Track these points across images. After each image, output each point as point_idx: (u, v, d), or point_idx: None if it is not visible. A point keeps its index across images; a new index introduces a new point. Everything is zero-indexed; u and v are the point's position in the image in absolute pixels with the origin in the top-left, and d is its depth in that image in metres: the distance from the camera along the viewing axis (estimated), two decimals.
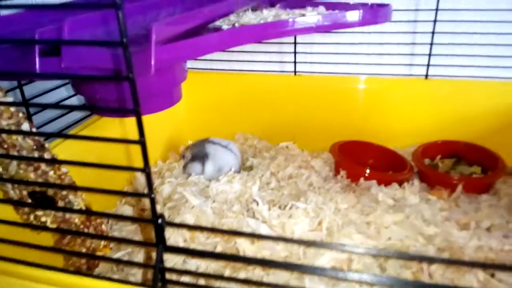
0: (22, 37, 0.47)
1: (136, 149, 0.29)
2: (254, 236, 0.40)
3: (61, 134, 0.34)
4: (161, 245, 0.30)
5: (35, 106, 0.49)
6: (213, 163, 0.76)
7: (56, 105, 0.32)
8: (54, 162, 0.45)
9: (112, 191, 0.29)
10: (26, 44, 0.40)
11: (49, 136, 0.32)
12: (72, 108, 0.68)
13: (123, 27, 0.26)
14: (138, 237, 0.62)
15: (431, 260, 0.46)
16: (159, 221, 0.29)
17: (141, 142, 0.27)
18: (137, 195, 0.47)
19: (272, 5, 0.80)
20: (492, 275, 0.52)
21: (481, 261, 0.54)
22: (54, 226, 0.48)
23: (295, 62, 0.89)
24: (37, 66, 0.42)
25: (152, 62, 0.41)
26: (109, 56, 0.42)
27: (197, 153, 0.77)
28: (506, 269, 0.41)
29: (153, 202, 0.29)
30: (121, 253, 0.58)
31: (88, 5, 0.37)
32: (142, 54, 0.42)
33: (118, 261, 0.50)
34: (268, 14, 0.70)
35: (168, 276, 0.31)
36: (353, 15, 0.61)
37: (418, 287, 0.31)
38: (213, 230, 0.42)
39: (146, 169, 0.28)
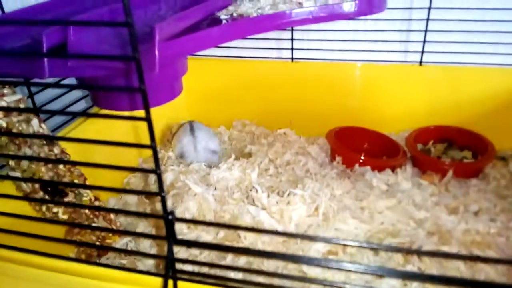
0: (29, 36, 0.48)
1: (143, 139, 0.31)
2: (254, 230, 0.43)
3: (70, 138, 0.36)
4: (171, 238, 0.32)
5: (44, 112, 0.50)
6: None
7: (64, 112, 0.33)
8: (64, 163, 0.48)
9: (123, 190, 0.31)
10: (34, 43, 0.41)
11: (61, 139, 0.34)
12: (82, 114, 0.69)
13: (127, 7, 0.27)
14: (143, 223, 0.65)
15: (418, 253, 0.50)
16: (170, 217, 0.32)
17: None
18: (149, 193, 0.50)
19: None
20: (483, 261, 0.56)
21: (468, 244, 0.58)
22: (65, 216, 0.50)
23: (292, 49, 0.90)
24: (46, 65, 0.44)
25: (156, 62, 0.42)
26: (116, 53, 0.43)
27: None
28: (488, 261, 0.44)
29: (163, 201, 0.31)
30: (128, 238, 0.61)
31: None
32: (146, 53, 0.43)
33: (129, 252, 0.53)
34: (265, 3, 0.71)
35: (177, 265, 0.34)
36: (348, 6, 0.63)
37: (404, 276, 0.34)
38: (216, 224, 0.45)
39: (157, 171, 0.30)
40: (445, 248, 0.57)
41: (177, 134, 0.81)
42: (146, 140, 0.30)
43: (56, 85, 0.40)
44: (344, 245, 0.55)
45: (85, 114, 0.44)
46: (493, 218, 0.63)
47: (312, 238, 0.49)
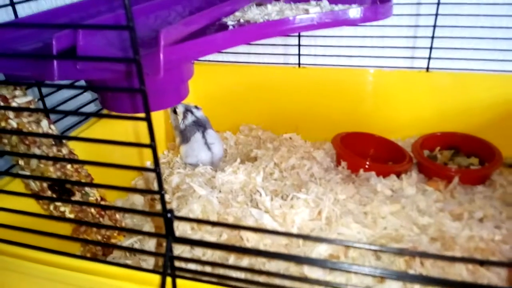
0: (40, 40, 0.50)
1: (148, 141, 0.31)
2: (256, 230, 0.43)
3: (76, 138, 0.37)
4: (170, 236, 0.33)
5: (55, 112, 0.52)
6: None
7: (75, 112, 0.34)
8: (72, 162, 0.49)
9: (126, 188, 0.32)
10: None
11: (68, 139, 0.35)
12: (88, 115, 0.71)
13: (129, 12, 0.28)
14: (149, 224, 0.66)
15: (421, 255, 0.49)
16: (169, 215, 0.33)
17: (148, 119, 0.30)
18: (148, 192, 0.51)
19: None
20: (481, 264, 0.56)
21: (472, 250, 0.57)
22: (72, 215, 0.52)
23: (299, 55, 0.91)
24: (55, 67, 0.45)
25: (161, 66, 0.43)
26: (122, 56, 0.45)
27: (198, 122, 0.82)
28: (491, 264, 0.44)
29: (163, 199, 0.32)
30: (134, 239, 0.62)
31: None
32: (151, 57, 0.45)
33: (131, 250, 0.54)
34: (272, 10, 0.72)
35: (177, 263, 0.35)
36: (354, 12, 0.63)
37: (406, 278, 0.34)
38: (218, 224, 0.46)
39: (156, 170, 0.31)
40: (448, 254, 0.56)
41: (191, 146, 0.80)
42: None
43: (65, 86, 0.42)
44: (347, 246, 0.55)
45: (89, 114, 0.46)
46: (498, 225, 0.62)
47: (314, 239, 0.49)
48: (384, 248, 0.50)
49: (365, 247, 0.39)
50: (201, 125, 0.82)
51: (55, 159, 0.49)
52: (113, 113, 0.56)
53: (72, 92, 0.76)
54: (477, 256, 0.56)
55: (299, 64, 0.92)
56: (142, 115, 0.32)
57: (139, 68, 0.29)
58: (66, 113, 0.38)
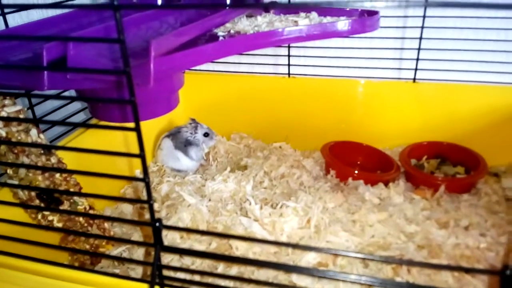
0: (30, 50, 0.51)
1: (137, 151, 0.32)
2: (245, 239, 0.44)
3: (66, 147, 0.37)
4: (159, 245, 0.34)
5: (44, 122, 0.52)
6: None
7: (64, 123, 0.35)
8: (61, 171, 0.49)
9: (114, 197, 0.33)
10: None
11: (58, 148, 0.35)
12: (76, 125, 0.72)
13: (120, 24, 0.28)
14: (138, 233, 0.66)
15: (409, 264, 0.50)
16: (157, 224, 0.33)
17: (137, 130, 0.30)
18: (137, 201, 0.51)
19: (266, 10, 0.83)
20: (467, 271, 0.56)
21: (458, 258, 0.58)
22: (60, 224, 0.52)
23: (289, 65, 0.93)
24: (45, 78, 0.46)
25: (151, 76, 0.44)
26: (112, 68, 0.45)
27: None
28: (475, 271, 0.45)
29: (151, 208, 0.33)
30: (122, 248, 0.62)
31: (89, 6, 0.41)
32: (142, 67, 0.45)
33: (119, 259, 0.54)
34: (262, 21, 0.74)
35: (165, 272, 0.35)
36: (342, 25, 0.65)
37: (393, 286, 0.35)
38: (206, 233, 0.46)
39: (145, 179, 0.31)
40: (435, 262, 0.57)
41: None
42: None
43: (54, 96, 0.42)
44: (335, 255, 0.55)
45: (78, 124, 0.46)
46: (484, 232, 0.63)
47: (303, 248, 0.50)
48: (372, 256, 0.50)
49: (353, 256, 0.39)
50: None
51: (44, 169, 0.49)
52: (102, 123, 0.57)
53: (62, 101, 0.77)
54: (463, 263, 0.57)
55: (289, 74, 0.93)
56: (132, 125, 0.32)
57: (129, 80, 0.29)
58: (55, 123, 0.38)
